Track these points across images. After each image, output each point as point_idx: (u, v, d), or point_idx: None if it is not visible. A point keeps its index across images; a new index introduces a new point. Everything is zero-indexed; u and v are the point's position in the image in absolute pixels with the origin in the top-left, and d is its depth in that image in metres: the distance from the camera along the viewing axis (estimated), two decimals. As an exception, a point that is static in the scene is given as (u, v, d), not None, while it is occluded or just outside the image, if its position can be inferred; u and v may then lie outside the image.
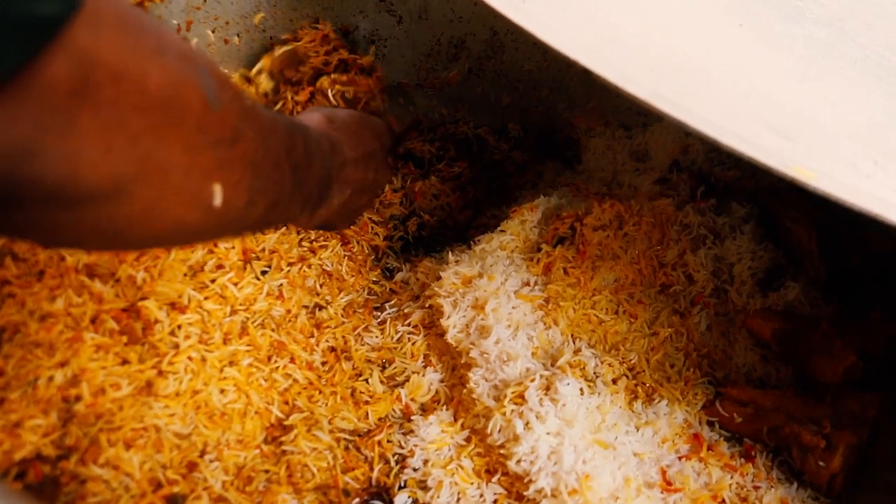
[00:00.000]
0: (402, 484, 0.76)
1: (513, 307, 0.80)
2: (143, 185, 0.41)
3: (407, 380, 0.83)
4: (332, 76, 0.99)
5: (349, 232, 0.93)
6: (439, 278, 0.85)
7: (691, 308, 0.82)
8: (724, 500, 0.71)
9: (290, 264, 0.87)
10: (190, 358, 0.77)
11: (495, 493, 0.73)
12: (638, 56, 0.56)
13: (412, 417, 0.80)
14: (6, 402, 0.73)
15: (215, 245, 0.82)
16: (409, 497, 0.74)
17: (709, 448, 0.74)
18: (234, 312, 0.81)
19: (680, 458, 0.73)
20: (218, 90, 0.44)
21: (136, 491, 0.71)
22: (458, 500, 0.73)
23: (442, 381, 0.83)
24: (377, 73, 1.04)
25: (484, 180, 1.07)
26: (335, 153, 0.68)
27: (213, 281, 0.81)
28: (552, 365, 0.76)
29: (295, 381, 0.81)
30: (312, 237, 0.91)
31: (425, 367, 0.84)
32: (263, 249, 0.86)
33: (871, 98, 0.60)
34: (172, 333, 0.78)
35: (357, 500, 0.74)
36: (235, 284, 0.82)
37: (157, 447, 0.73)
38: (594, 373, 0.76)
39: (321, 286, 0.88)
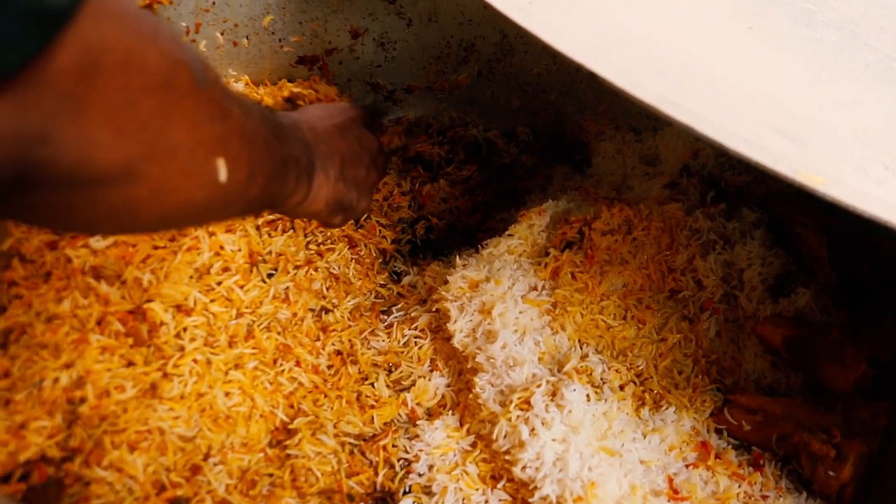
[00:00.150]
0: (407, 489, 0.75)
1: (520, 312, 0.80)
2: (152, 166, 0.43)
3: (413, 384, 0.83)
4: None
5: (356, 235, 0.93)
6: (446, 282, 0.85)
7: (700, 314, 0.81)
8: (731, 509, 0.70)
9: (296, 267, 0.87)
10: (195, 360, 0.77)
11: (500, 500, 0.73)
12: (644, 59, 0.56)
13: (418, 422, 0.80)
14: (12, 403, 0.73)
15: (222, 248, 0.82)
16: (413, 502, 0.74)
17: (717, 456, 0.73)
18: (239, 315, 0.81)
19: (687, 466, 0.72)
20: (203, 70, 0.45)
21: (139, 493, 0.71)
22: (463, 505, 0.73)
23: (448, 385, 0.82)
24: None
25: (493, 184, 1.07)
26: (302, 128, 0.69)
27: (219, 283, 0.81)
28: (559, 370, 0.75)
29: (300, 384, 0.80)
30: (320, 240, 0.90)
31: (432, 371, 0.83)
32: (270, 252, 0.86)
33: (883, 102, 0.59)
34: (178, 336, 0.77)
35: (361, 504, 0.74)
36: (241, 287, 0.82)
37: (161, 450, 0.73)
38: (601, 379, 0.76)
39: (328, 289, 0.88)
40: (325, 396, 0.81)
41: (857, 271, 0.80)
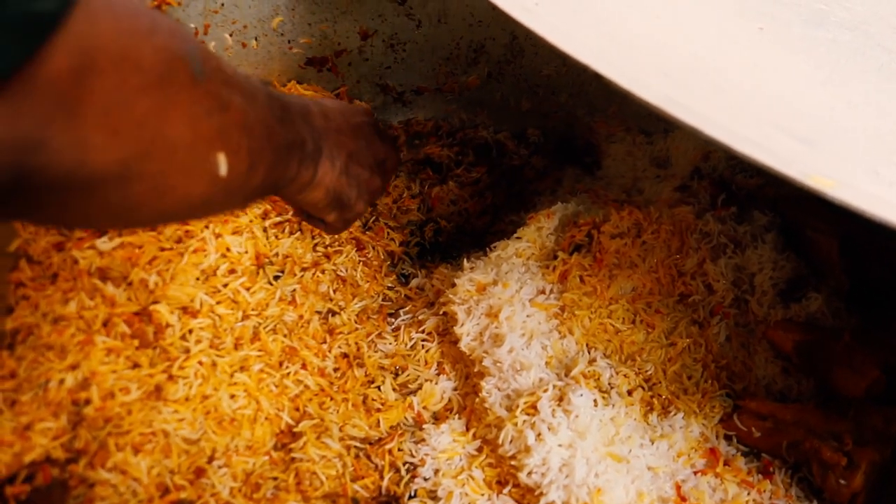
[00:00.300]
0: (413, 493, 0.75)
1: (527, 315, 0.79)
2: (150, 164, 0.42)
3: (420, 387, 0.82)
4: None
5: (364, 237, 0.93)
6: (454, 285, 0.84)
7: (710, 318, 0.80)
8: (740, 517, 0.69)
9: (303, 269, 0.87)
10: (200, 363, 0.76)
11: (505, 505, 0.72)
12: (650, 60, 0.55)
13: (424, 426, 0.79)
14: (18, 403, 0.74)
15: (228, 249, 0.82)
16: (418, 507, 0.74)
17: (725, 463, 0.72)
18: (245, 317, 0.81)
19: (695, 473, 0.71)
20: (202, 62, 0.44)
21: (143, 496, 0.71)
22: (468, 511, 0.72)
23: (455, 389, 0.82)
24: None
25: (502, 186, 1.06)
26: (315, 115, 0.67)
27: (225, 285, 0.81)
28: (566, 375, 0.75)
29: (306, 387, 0.80)
30: (327, 241, 0.90)
31: (438, 374, 0.83)
32: (277, 254, 0.86)
33: (896, 103, 0.58)
34: (183, 338, 0.77)
35: (366, 509, 0.74)
36: (248, 289, 0.82)
37: (166, 452, 0.73)
38: (609, 384, 0.75)
39: (335, 291, 0.87)
40: (331, 399, 0.80)
41: (869, 275, 0.78)
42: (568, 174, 1.06)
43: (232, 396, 0.76)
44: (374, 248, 0.93)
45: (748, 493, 0.70)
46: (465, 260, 0.87)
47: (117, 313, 0.77)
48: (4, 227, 0.81)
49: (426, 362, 0.84)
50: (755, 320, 0.79)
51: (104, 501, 0.70)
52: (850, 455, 0.67)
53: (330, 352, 0.83)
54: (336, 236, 0.91)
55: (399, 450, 0.77)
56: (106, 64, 0.37)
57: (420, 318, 0.88)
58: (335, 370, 0.83)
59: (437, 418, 0.80)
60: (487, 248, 0.88)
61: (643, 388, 0.76)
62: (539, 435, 0.69)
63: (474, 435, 0.77)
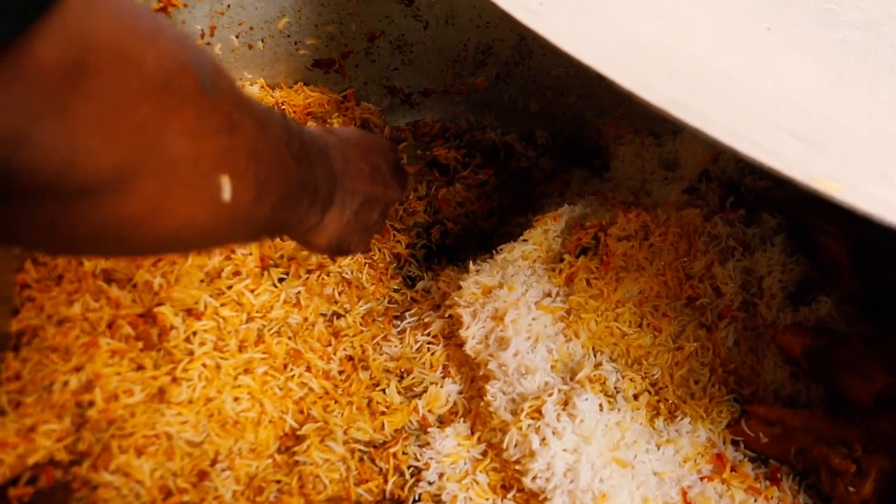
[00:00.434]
0: (417, 497, 0.74)
1: (533, 318, 0.78)
2: (149, 178, 0.39)
3: (425, 391, 0.81)
4: None
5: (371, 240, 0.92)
6: (460, 288, 0.83)
7: (718, 322, 0.79)
8: (747, 524, 0.68)
9: (308, 271, 0.86)
10: (204, 365, 0.76)
11: (510, 510, 0.72)
12: (656, 61, 0.54)
13: (429, 429, 0.78)
14: (22, 405, 0.74)
15: (233, 251, 0.82)
16: (422, 511, 0.73)
17: (732, 469, 0.71)
18: (250, 320, 0.80)
19: (702, 479, 0.70)
20: (213, 76, 0.42)
21: (146, 498, 0.70)
22: (472, 515, 0.72)
23: (460, 392, 0.81)
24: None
25: (510, 188, 1.06)
26: (334, 157, 0.65)
27: (229, 287, 0.81)
28: (571, 379, 0.74)
29: (310, 390, 0.80)
30: (333, 244, 0.90)
31: (444, 378, 0.82)
32: (282, 256, 0.86)
33: (907, 105, 0.57)
34: (188, 340, 0.77)
35: (369, 513, 0.73)
36: (252, 291, 0.81)
37: (169, 455, 0.72)
38: (615, 388, 0.74)
39: (340, 294, 0.87)
40: (336, 402, 0.80)
41: (881, 279, 0.77)
42: (576, 176, 1.06)
43: (236, 399, 0.76)
44: (379, 250, 0.93)
45: (755, 500, 0.69)
46: (470, 262, 0.86)
47: (122, 315, 0.77)
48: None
49: (432, 365, 0.83)
50: (764, 324, 0.78)
51: (107, 504, 0.70)
52: (859, 462, 0.66)
53: (335, 354, 0.83)
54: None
55: (403, 453, 0.77)
56: (103, 62, 0.34)
57: (426, 320, 0.87)
58: (340, 373, 0.82)
59: (442, 422, 0.80)
60: (494, 251, 0.88)
61: (649, 392, 0.75)
62: (544, 439, 0.69)
63: (479, 439, 0.76)
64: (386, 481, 0.75)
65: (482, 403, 0.76)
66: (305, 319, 0.83)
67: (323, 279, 0.86)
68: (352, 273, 0.89)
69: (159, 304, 0.78)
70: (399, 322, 0.88)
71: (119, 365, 0.75)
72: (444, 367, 0.83)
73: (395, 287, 0.92)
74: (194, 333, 0.77)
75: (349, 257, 0.89)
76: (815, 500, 0.70)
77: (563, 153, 1.10)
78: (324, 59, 1.03)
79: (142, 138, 0.38)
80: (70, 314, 0.77)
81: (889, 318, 0.77)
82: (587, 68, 0.51)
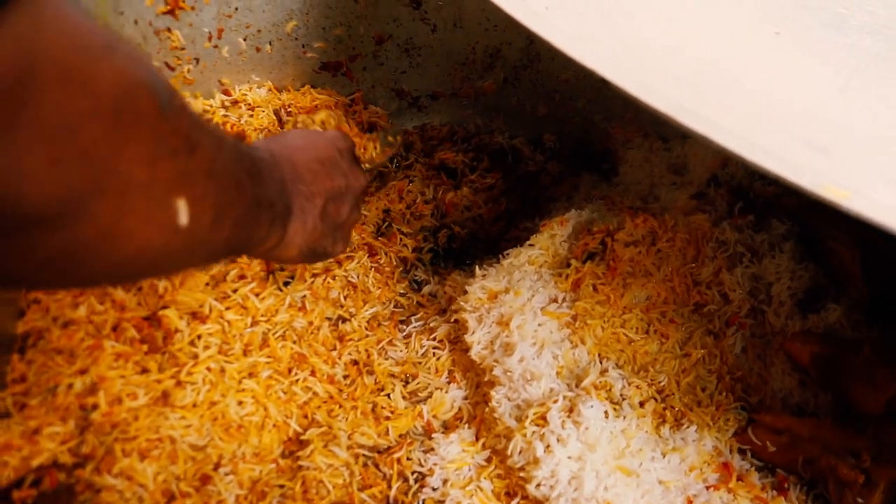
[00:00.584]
0: (421, 503, 0.74)
1: (539, 324, 0.78)
2: (100, 204, 0.36)
3: (430, 396, 0.81)
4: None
5: (377, 243, 0.92)
6: (466, 292, 0.83)
7: (726, 329, 0.78)
8: (754, 534, 0.67)
9: (314, 275, 0.86)
10: (209, 369, 0.76)
11: (514, 517, 0.71)
12: (663, 65, 0.54)
13: (433, 435, 0.78)
14: (27, 408, 0.74)
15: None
16: (426, 517, 0.73)
17: (739, 478, 0.70)
18: (255, 323, 0.80)
19: (708, 488, 0.69)
20: (169, 96, 0.40)
21: (149, 502, 0.70)
22: (476, 522, 0.71)
23: (465, 398, 0.81)
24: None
25: (517, 192, 1.05)
26: (283, 166, 0.62)
27: (234, 291, 0.81)
28: (577, 385, 0.73)
29: (315, 394, 0.79)
30: (339, 248, 0.90)
31: (449, 383, 0.82)
32: (287, 260, 0.86)
33: (917, 111, 0.57)
34: (192, 343, 0.77)
35: (372, 519, 0.73)
36: (257, 295, 0.81)
37: (172, 458, 0.72)
38: (621, 395, 0.73)
39: (345, 298, 0.87)
40: (340, 407, 0.79)
41: (891, 287, 0.76)
42: (584, 180, 1.05)
43: (240, 403, 0.76)
44: (386, 254, 0.92)
45: (762, 510, 0.69)
46: (477, 267, 0.86)
47: (127, 318, 0.77)
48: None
49: (437, 370, 0.83)
50: (772, 331, 0.78)
51: (110, 507, 0.70)
52: (868, 473, 0.65)
53: (339, 359, 0.83)
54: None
55: (408, 459, 0.76)
56: (50, 79, 0.31)
57: (432, 325, 0.87)
58: (344, 377, 0.82)
59: (447, 427, 0.79)
60: (500, 255, 0.87)
61: (655, 399, 0.74)
62: (548, 446, 0.68)
63: (484, 445, 0.76)
64: (390, 487, 0.74)
65: (487, 409, 0.76)
66: (310, 323, 0.83)
67: (328, 283, 0.86)
68: (357, 277, 0.88)
69: (164, 308, 0.78)
70: (405, 326, 0.88)
71: (123, 368, 0.75)
72: (450, 372, 0.83)
73: (402, 291, 0.91)
74: (199, 337, 0.77)
75: (355, 261, 0.89)
76: (822, 511, 0.69)
77: (572, 157, 1.09)
78: (331, 62, 1.03)
79: (93, 163, 0.35)
80: (75, 316, 0.77)
81: (899, 326, 0.76)
82: (592, 72, 0.51)
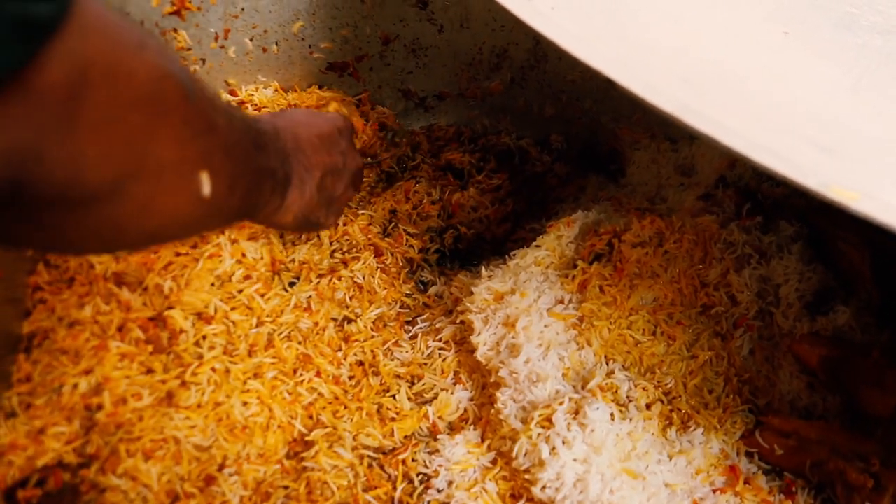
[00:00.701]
0: (425, 505, 0.73)
1: (545, 325, 0.77)
2: (140, 182, 0.42)
3: (435, 397, 0.81)
4: None
5: (383, 244, 0.92)
6: (472, 293, 0.83)
7: (734, 331, 0.78)
8: (761, 538, 0.67)
9: (319, 276, 0.86)
10: (213, 369, 0.76)
11: (519, 520, 0.71)
12: (669, 66, 0.53)
13: (438, 436, 0.78)
14: (32, 407, 0.74)
15: (244, 255, 0.82)
16: (430, 519, 0.72)
17: (746, 481, 0.70)
18: (260, 324, 0.80)
19: (714, 492, 0.69)
20: (192, 82, 0.45)
21: (153, 503, 0.70)
22: (481, 525, 0.71)
23: (471, 399, 0.81)
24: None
25: (524, 193, 1.05)
26: (285, 137, 0.67)
27: (240, 291, 0.81)
28: (583, 387, 0.73)
29: (320, 395, 0.79)
30: (345, 248, 0.89)
31: (455, 384, 0.82)
32: (293, 260, 0.86)
33: (927, 112, 0.56)
34: (197, 344, 0.77)
35: (377, 520, 0.73)
36: (263, 295, 0.81)
37: (177, 459, 0.72)
38: (627, 397, 0.73)
39: (351, 299, 0.86)
40: (346, 408, 0.79)
41: (902, 290, 0.76)
42: (591, 182, 1.04)
43: (245, 404, 0.76)
44: (392, 254, 0.92)
45: (769, 514, 0.68)
46: (483, 268, 0.86)
47: (132, 318, 0.77)
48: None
49: (443, 371, 0.83)
50: (780, 333, 0.77)
51: (114, 507, 0.70)
52: (877, 477, 0.65)
53: (345, 360, 0.82)
54: (354, 242, 0.90)
55: (413, 460, 0.76)
56: (98, 77, 0.36)
57: (437, 326, 0.86)
58: (350, 378, 0.82)
59: (453, 429, 0.79)
60: (507, 256, 0.87)
61: (662, 401, 0.74)
62: (553, 449, 0.68)
63: (489, 447, 0.75)
64: (395, 488, 0.74)
65: (493, 411, 0.76)
66: (316, 324, 0.83)
67: (334, 283, 0.86)
68: (363, 278, 0.88)
69: (170, 308, 0.78)
70: (410, 327, 0.87)
71: (128, 368, 0.75)
72: (456, 373, 0.82)
73: (408, 292, 0.91)
74: (204, 337, 0.77)
75: (361, 261, 0.88)
76: (830, 515, 0.69)
77: (579, 158, 1.09)
78: (338, 63, 1.03)
79: (135, 146, 0.40)
80: (81, 317, 0.77)
81: (909, 328, 0.75)
82: (598, 73, 0.51)
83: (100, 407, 0.73)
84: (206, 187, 0.47)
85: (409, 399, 0.81)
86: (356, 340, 0.84)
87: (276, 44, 0.98)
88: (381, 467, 0.76)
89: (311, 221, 0.72)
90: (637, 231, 0.82)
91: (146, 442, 0.72)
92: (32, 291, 0.80)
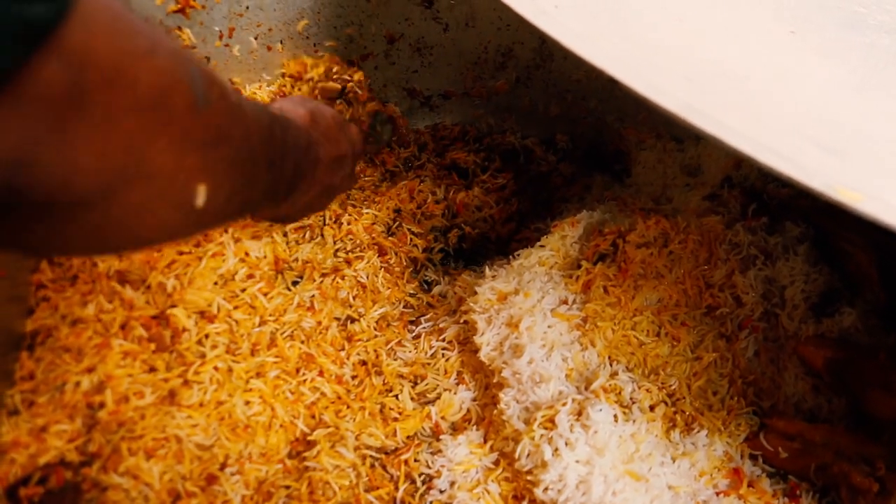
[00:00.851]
0: (427, 505, 0.73)
1: (548, 326, 0.77)
2: (131, 189, 0.40)
3: (438, 397, 0.80)
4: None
5: (387, 243, 0.92)
6: (475, 293, 0.82)
7: (738, 332, 0.77)
8: (765, 541, 0.66)
9: (323, 275, 0.86)
10: (216, 368, 0.76)
11: (521, 521, 0.70)
12: (673, 65, 0.53)
13: (441, 436, 0.77)
14: (35, 405, 0.74)
15: (247, 254, 0.82)
16: (433, 520, 0.72)
17: (750, 484, 0.69)
18: (263, 323, 0.80)
19: (718, 494, 0.68)
20: (206, 89, 0.43)
21: (154, 501, 0.70)
22: (483, 526, 0.70)
23: (474, 399, 0.80)
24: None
25: (529, 192, 1.04)
26: (310, 152, 0.67)
27: (243, 290, 0.80)
28: (586, 388, 0.73)
29: (323, 394, 0.79)
30: (349, 247, 0.89)
31: (458, 384, 0.81)
32: (296, 259, 0.85)
33: (934, 112, 0.55)
34: (200, 342, 0.77)
35: (378, 520, 0.72)
36: (266, 294, 0.81)
37: (178, 458, 0.72)
38: (630, 398, 0.72)
39: (354, 298, 0.86)
40: (348, 408, 0.79)
41: (908, 291, 0.75)
42: (597, 181, 1.04)
43: (247, 403, 0.76)
44: (396, 253, 0.92)
45: (773, 517, 0.68)
46: (487, 268, 0.85)
47: (135, 317, 0.77)
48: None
49: (446, 371, 0.82)
50: (785, 335, 0.76)
51: (116, 506, 0.70)
52: (882, 481, 0.64)
53: (348, 359, 0.82)
54: (358, 241, 0.90)
55: (415, 460, 0.76)
56: (99, 81, 0.35)
57: (441, 325, 0.86)
58: (353, 378, 0.82)
59: (455, 429, 0.79)
60: (511, 256, 0.86)
61: (666, 403, 0.74)
62: (556, 450, 0.67)
63: (492, 447, 0.75)
64: (397, 488, 0.74)
65: (495, 411, 0.75)
66: (319, 323, 0.83)
67: (337, 283, 0.86)
68: (367, 277, 0.88)
69: (172, 306, 0.77)
70: (414, 327, 0.87)
71: (131, 366, 0.75)
72: (459, 373, 0.82)
73: (411, 291, 0.91)
74: (206, 336, 0.77)
75: (365, 261, 0.88)
76: (835, 519, 0.68)
77: (584, 158, 1.08)
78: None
79: (130, 154, 0.39)
80: (84, 315, 0.77)
81: (915, 331, 0.74)
82: (601, 72, 0.50)
83: (102, 405, 0.73)
84: (201, 199, 0.46)
85: (412, 399, 0.80)
86: (359, 340, 0.83)
87: (281, 42, 0.98)
88: (384, 467, 0.75)
89: (287, 221, 0.74)
90: (642, 231, 0.82)
91: (148, 440, 0.72)
92: (36, 289, 0.80)
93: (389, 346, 0.84)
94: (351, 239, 0.90)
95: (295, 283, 0.84)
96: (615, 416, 0.70)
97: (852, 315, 0.74)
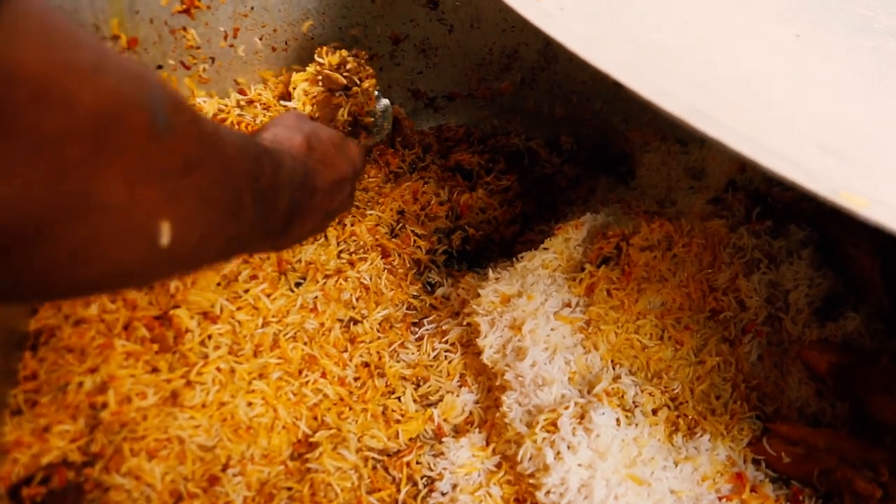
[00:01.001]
0: (429, 508, 0.73)
1: (551, 329, 0.77)
2: (72, 226, 0.35)
3: (441, 399, 0.80)
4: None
5: (390, 245, 0.91)
6: (478, 296, 0.82)
7: (742, 336, 0.77)
8: (767, 547, 0.66)
9: (326, 276, 0.86)
10: (219, 369, 0.76)
11: (523, 525, 0.70)
12: (677, 68, 0.53)
13: (443, 439, 0.77)
14: (38, 405, 0.74)
15: (250, 255, 0.82)
16: (434, 522, 0.72)
17: (752, 489, 0.69)
18: (265, 324, 0.80)
19: (720, 499, 0.68)
20: (170, 113, 0.38)
21: (156, 502, 0.70)
22: (485, 529, 0.70)
23: (477, 402, 0.80)
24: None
25: (533, 194, 1.04)
26: (307, 182, 0.63)
27: (246, 291, 0.80)
28: (589, 392, 0.72)
29: (325, 396, 0.79)
30: (352, 249, 0.89)
31: (460, 387, 0.81)
32: (300, 261, 0.85)
33: (940, 117, 0.55)
34: (203, 343, 0.77)
35: (380, 523, 0.72)
36: (269, 296, 0.81)
37: (180, 459, 0.72)
38: (633, 402, 0.72)
39: (357, 299, 0.86)
40: (350, 409, 0.79)
41: (913, 296, 0.75)
42: (601, 184, 1.04)
43: (249, 404, 0.76)
44: (399, 255, 0.92)
45: (776, 522, 0.67)
46: (490, 270, 0.85)
47: (138, 317, 0.77)
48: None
49: (448, 374, 0.82)
50: (789, 339, 0.76)
51: (118, 506, 0.70)
52: (885, 487, 0.64)
53: (350, 361, 0.82)
54: (361, 243, 0.90)
55: (417, 462, 0.76)
56: (25, 97, 0.30)
57: (444, 327, 0.86)
58: (355, 379, 0.82)
59: (458, 431, 0.79)
60: (514, 258, 0.86)
61: (669, 407, 0.73)
62: (558, 453, 0.67)
63: (494, 450, 0.75)
64: (398, 491, 0.74)
65: (498, 414, 0.75)
66: (322, 325, 0.83)
67: (341, 284, 0.86)
68: (370, 278, 0.88)
69: (175, 307, 0.77)
70: (417, 329, 0.87)
71: (134, 367, 0.75)
72: (461, 375, 0.82)
73: (415, 293, 0.90)
74: (209, 337, 0.77)
75: (368, 262, 0.88)
76: (838, 525, 0.68)
77: (589, 160, 1.08)
78: (347, 62, 1.02)
79: (67, 185, 0.34)
80: (87, 315, 0.77)
81: (920, 336, 0.74)
82: (606, 75, 0.50)
83: (104, 405, 0.73)
84: (165, 237, 0.40)
85: (415, 401, 0.80)
86: (362, 342, 0.83)
87: (286, 43, 0.98)
88: (386, 469, 0.75)
89: (303, 239, 0.73)
90: (645, 234, 0.82)
91: (150, 441, 0.72)
92: None
93: (392, 347, 0.84)
94: (354, 240, 0.90)
95: (298, 285, 0.84)
96: (618, 419, 0.70)
97: (856, 320, 0.74)
